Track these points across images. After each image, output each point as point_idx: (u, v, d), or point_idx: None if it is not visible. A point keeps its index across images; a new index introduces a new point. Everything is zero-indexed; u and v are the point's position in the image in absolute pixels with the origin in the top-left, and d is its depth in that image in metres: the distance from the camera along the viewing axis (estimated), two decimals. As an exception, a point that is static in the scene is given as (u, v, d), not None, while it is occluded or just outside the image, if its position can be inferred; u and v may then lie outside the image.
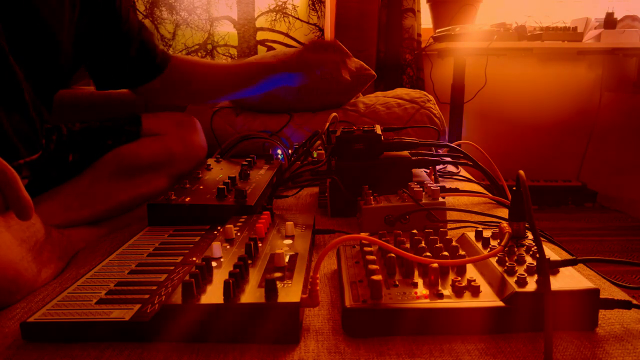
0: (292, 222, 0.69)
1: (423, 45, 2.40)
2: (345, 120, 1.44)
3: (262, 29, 2.30)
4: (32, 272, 0.63)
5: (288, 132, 1.44)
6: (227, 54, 2.25)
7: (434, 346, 0.48)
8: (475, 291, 0.51)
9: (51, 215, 0.75)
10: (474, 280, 0.52)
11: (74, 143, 0.98)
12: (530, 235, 0.62)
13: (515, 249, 0.58)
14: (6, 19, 0.66)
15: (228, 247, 0.64)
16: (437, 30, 2.30)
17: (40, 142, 0.91)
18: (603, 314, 0.53)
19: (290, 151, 1.26)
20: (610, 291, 0.60)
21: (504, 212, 0.87)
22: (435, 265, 0.53)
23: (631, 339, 0.49)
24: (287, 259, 0.58)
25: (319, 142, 1.18)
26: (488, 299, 0.50)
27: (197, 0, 2.22)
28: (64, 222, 0.78)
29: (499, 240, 0.61)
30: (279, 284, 0.51)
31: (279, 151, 1.24)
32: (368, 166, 0.92)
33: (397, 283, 0.53)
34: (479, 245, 0.61)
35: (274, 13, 2.30)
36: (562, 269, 0.53)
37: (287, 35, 2.31)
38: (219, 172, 1.05)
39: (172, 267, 0.62)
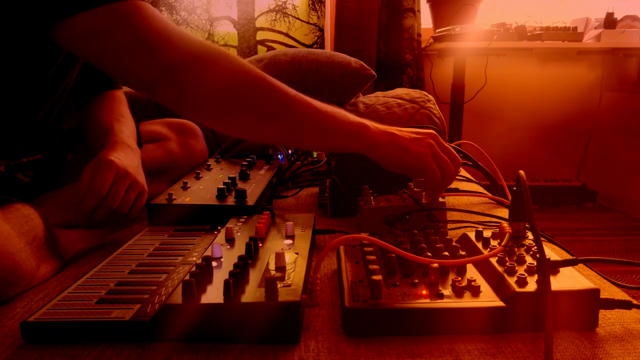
0: (292, 222, 0.69)
1: (423, 45, 2.40)
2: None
3: (262, 28, 2.30)
4: (31, 265, 0.63)
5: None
6: (227, 54, 2.25)
7: (434, 346, 0.48)
8: (475, 291, 0.51)
9: (52, 216, 0.75)
10: (474, 280, 0.52)
11: (72, 143, 0.98)
12: (530, 235, 0.62)
13: (516, 249, 0.58)
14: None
15: (228, 247, 0.64)
16: (437, 30, 2.30)
17: (45, 143, 0.91)
18: (603, 314, 0.53)
19: (290, 151, 1.26)
20: (610, 291, 0.60)
21: (504, 212, 0.87)
22: (436, 265, 0.53)
23: (631, 339, 0.49)
24: (287, 259, 0.58)
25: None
26: (488, 299, 0.50)
27: (197, 0, 2.22)
28: (64, 223, 0.78)
29: (499, 240, 0.61)
30: (279, 284, 0.51)
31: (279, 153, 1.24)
32: (368, 166, 0.92)
33: (397, 283, 0.53)
34: (479, 245, 0.61)
35: (274, 13, 2.30)
36: (562, 269, 0.53)
37: (287, 35, 2.31)
38: (219, 172, 1.05)
39: (172, 267, 0.62)
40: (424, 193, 0.81)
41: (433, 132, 0.76)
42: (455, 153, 0.76)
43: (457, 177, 1.18)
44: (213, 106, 0.67)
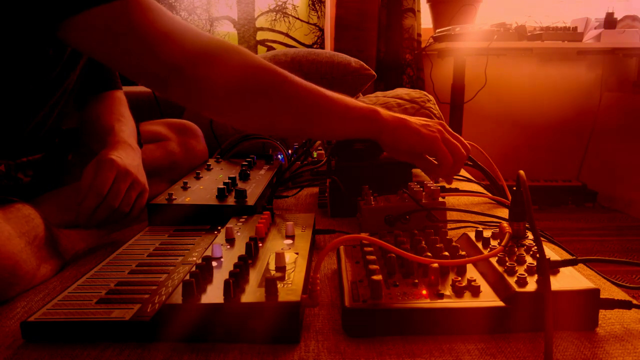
0: (292, 222, 0.69)
1: (423, 45, 2.40)
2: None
3: (262, 29, 2.30)
4: (32, 265, 0.63)
5: (288, 132, 1.44)
6: (227, 54, 2.25)
7: (434, 346, 0.48)
8: (475, 291, 0.51)
9: (52, 216, 0.75)
10: (474, 280, 0.52)
11: (72, 143, 0.98)
12: (530, 235, 0.62)
13: (516, 249, 0.58)
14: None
15: (228, 247, 0.64)
16: (437, 30, 2.30)
17: (46, 143, 0.91)
18: (603, 314, 0.53)
19: (290, 151, 1.26)
20: (610, 291, 0.60)
21: (504, 212, 0.87)
22: (436, 265, 0.53)
23: (631, 339, 0.49)
24: (287, 259, 0.58)
25: (318, 142, 1.18)
26: (488, 299, 0.50)
27: (197, 0, 2.23)
28: (64, 223, 0.78)
29: (499, 240, 0.61)
30: (279, 284, 0.51)
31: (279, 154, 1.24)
32: (368, 166, 0.92)
33: (397, 283, 0.53)
34: (479, 245, 0.61)
35: (274, 13, 2.30)
36: (562, 269, 0.53)
37: (287, 35, 2.31)
38: (219, 172, 1.05)
39: (172, 267, 0.62)
40: (423, 193, 0.81)
41: (441, 121, 0.78)
42: (463, 140, 0.77)
43: (457, 177, 1.18)
44: (225, 101, 0.67)
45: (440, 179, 0.79)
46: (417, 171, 1.06)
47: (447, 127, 0.77)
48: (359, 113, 0.72)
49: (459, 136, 0.77)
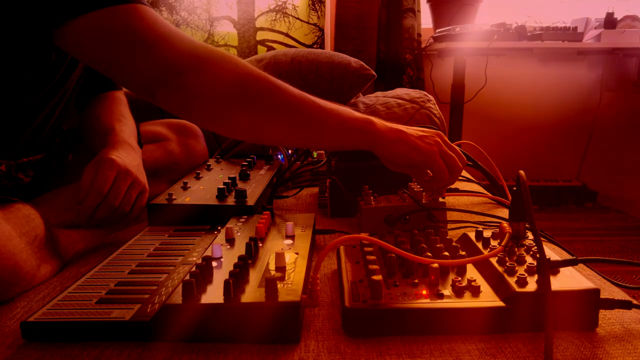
0: (292, 222, 0.69)
1: (423, 45, 2.40)
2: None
3: (262, 29, 2.30)
4: (32, 266, 0.63)
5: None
6: (227, 54, 2.24)
7: (434, 346, 0.48)
8: (475, 291, 0.51)
9: (52, 216, 0.75)
10: (474, 280, 0.52)
11: (72, 143, 0.99)
12: (530, 235, 0.62)
13: (516, 249, 0.58)
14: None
15: (228, 247, 0.64)
16: (437, 30, 2.30)
17: (46, 143, 0.91)
18: (603, 314, 0.53)
19: (290, 151, 1.26)
20: (610, 291, 0.60)
21: (504, 212, 0.87)
22: (436, 265, 0.53)
23: (631, 339, 0.49)
24: (287, 259, 0.58)
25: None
26: (488, 299, 0.50)
27: (197, 0, 2.22)
28: (64, 223, 0.78)
29: (499, 240, 0.61)
30: (279, 284, 0.51)
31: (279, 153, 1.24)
32: (368, 166, 0.92)
33: (397, 283, 0.53)
34: (479, 245, 0.61)
35: (274, 13, 2.30)
36: (562, 269, 0.53)
37: (287, 35, 2.31)
38: (219, 172, 1.05)
39: (172, 267, 0.62)
40: (424, 193, 0.81)
41: (438, 131, 0.75)
42: (460, 151, 0.75)
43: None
44: (217, 109, 0.66)
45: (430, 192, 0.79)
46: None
47: (444, 137, 0.74)
48: (354, 125, 0.70)
49: (455, 147, 0.75)
